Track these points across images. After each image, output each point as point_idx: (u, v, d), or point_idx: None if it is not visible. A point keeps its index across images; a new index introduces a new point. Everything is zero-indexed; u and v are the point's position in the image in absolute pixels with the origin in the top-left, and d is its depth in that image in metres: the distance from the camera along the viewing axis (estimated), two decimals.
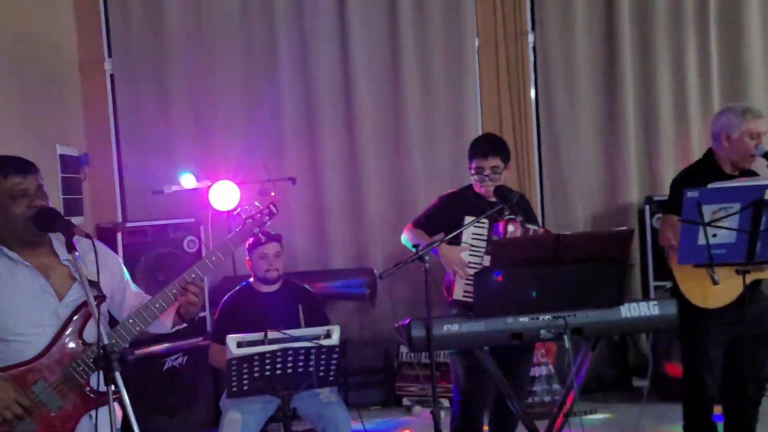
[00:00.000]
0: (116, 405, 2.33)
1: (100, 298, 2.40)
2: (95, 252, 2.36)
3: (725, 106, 3.80)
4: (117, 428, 2.39)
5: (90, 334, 2.45)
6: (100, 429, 2.43)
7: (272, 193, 5.13)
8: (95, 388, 2.43)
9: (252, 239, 3.90)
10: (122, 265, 2.71)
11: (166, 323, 2.65)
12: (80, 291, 2.45)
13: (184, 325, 2.71)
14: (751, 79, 5.50)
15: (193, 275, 2.56)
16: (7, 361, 2.34)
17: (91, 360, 2.37)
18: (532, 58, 5.71)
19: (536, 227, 3.57)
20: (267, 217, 2.73)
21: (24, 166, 2.41)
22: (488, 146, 3.68)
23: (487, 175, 3.61)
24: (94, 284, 2.37)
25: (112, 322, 2.64)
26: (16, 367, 2.33)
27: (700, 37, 5.53)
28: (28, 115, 4.82)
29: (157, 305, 2.53)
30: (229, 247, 2.66)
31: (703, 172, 3.56)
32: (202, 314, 4.88)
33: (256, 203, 2.78)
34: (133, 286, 2.71)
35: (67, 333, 2.40)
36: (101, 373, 2.40)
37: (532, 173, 5.68)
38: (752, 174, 3.66)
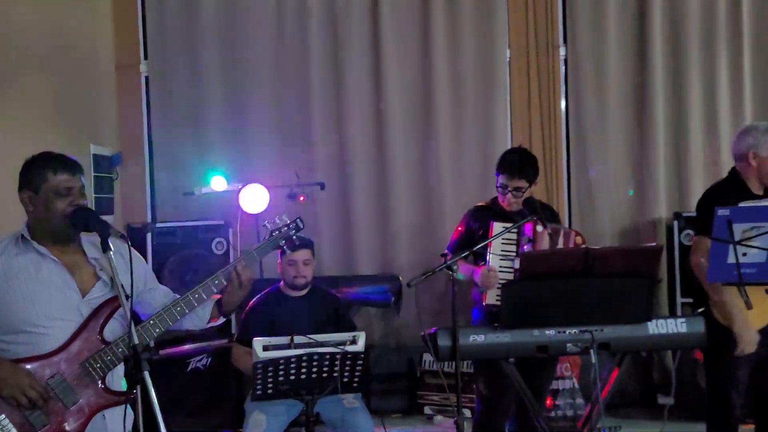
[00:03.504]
0: (128, 408, 2.38)
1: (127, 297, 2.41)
2: (130, 253, 2.40)
3: (747, 126, 3.71)
4: (128, 430, 2.42)
5: (110, 332, 2.46)
6: (111, 429, 2.46)
7: (301, 198, 5.18)
8: (110, 387, 2.44)
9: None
10: (146, 266, 2.74)
11: (202, 316, 2.65)
12: (103, 290, 2.47)
13: (221, 321, 2.71)
14: None
15: (216, 282, 2.57)
16: (27, 352, 2.35)
17: (108, 358, 2.39)
18: (563, 71, 5.71)
19: (566, 228, 3.61)
20: (293, 231, 2.71)
21: (74, 165, 2.46)
22: (516, 167, 3.66)
23: (509, 191, 3.66)
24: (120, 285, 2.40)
25: (138, 322, 2.66)
26: (35, 359, 2.34)
27: (733, 53, 5.50)
28: (64, 114, 4.92)
29: (196, 296, 2.55)
30: (254, 256, 2.66)
31: (728, 192, 3.49)
32: None
33: (284, 217, 2.75)
34: (162, 288, 2.73)
35: (87, 329, 2.41)
36: (115, 372, 2.45)
37: (560, 185, 5.66)
38: None
